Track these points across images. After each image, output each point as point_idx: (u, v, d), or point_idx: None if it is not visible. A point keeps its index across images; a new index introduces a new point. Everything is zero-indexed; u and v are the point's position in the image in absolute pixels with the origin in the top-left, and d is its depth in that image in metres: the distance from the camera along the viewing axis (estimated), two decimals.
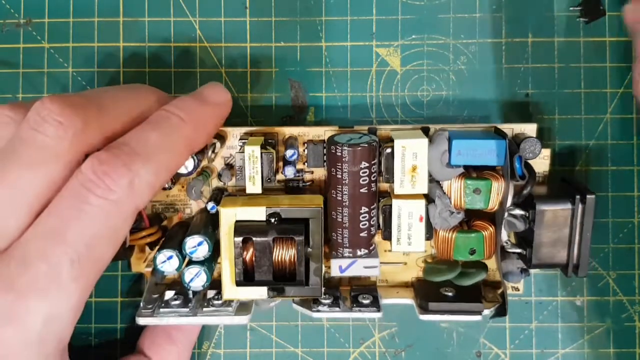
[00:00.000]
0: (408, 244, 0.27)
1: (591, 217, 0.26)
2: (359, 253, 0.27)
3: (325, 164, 0.27)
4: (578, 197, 0.26)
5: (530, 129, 0.28)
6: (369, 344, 0.31)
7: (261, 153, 0.26)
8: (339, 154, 0.25)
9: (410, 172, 0.26)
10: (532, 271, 0.30)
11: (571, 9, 0.29)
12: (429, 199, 0.27)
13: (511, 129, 0.28)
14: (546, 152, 0.28)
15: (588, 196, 0.26)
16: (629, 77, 0.30)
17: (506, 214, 0.26)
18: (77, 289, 0.21)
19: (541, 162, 0.28)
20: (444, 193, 0.27)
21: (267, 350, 0.31)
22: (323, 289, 0.26)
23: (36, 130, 0.21)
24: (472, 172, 0.27)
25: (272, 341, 0.31)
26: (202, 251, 0.26)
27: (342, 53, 0.31)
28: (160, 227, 0.29)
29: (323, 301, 0.28)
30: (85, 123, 0.22)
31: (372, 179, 0.26)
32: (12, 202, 0.21)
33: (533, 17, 0.30)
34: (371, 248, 0.27)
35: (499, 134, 0.27)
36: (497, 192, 0.26)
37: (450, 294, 0.28)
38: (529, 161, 0.26)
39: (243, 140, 0.28)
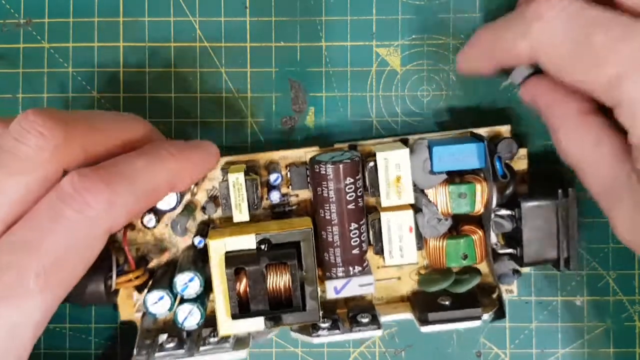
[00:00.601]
0: (400, 256, 0.27)
1: (575, 208, 0.27)
2: (352, 271, 0.27)
3: (309, 185, 0.28)
4: (560, 191, 0.27)
5: (504, 130, 0.28)
6: (369, 343, 0.31)
7: (245, 180, 0.26)
8: (323, 172, 0.26)
9: (395, 183, 0.26)
10: (531, 272, 0.30)
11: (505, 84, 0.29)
12: (416, 209, 0.27)
13: (486, 132, 0.28)
14: (523, 152, 0.29)
15: (570, 189, 0.27)
16: None
17: (493, 215, 0.27)
18: (43, 302, 0.21)
19: (520, 162, 0.29)
20: (430, 201, 0.27)
21: (267, 350, 0.31)
22: (321, 312, 0.26)
23: (17, 139, 0.21)
24: (455, 177, 0.27)
25: (272, 340, 0.31)
26: (194, 287, 0.26)
27: (342, 53, 0.31)
28: (146, 269, 0.28)
29: (322, 325, 0.27)
30: (67, 138, 0.21)
31: (359, 194, 0.26)
32: None
33: None
34: (364, 265, 0.27)
35: (476, 138, 0.27)
36: (482, 194, 0.27)
37: (447, 302, 0.28)
38: (508, 161, 0.27)
39: (225, 170, 0.28)
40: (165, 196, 0.25)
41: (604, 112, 0.24)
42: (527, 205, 0.27)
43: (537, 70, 0.26)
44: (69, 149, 0.22)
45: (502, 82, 0.29)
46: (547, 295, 0.31)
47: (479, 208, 0.27)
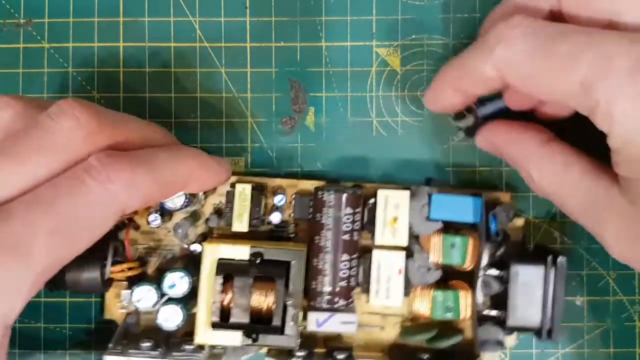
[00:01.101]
0: (386, 297, 0.27)
1: (563, 279, 0.26)
2: (337, 304, 0.27)
3: (310, 215, 0.28)
4: (550, 258, 0.26)
5: (505, 197, 0.29)
6: None
7: (252, 192, 0.27)
8: (325, 198, 0.26)
9: (391, 222, 0.27)
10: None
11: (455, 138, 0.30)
12: (408, 253, 0.27)
13: (486, 196, 0.28)
14: (520, 222, 0.29)
15: (559, 258, 0.26)
16: None
17: (481, 272, 0.27)
18: (44, 263, 0.21)
19: (516, 231, 0.29)
20: (423, 248, 0.27)
21: None
22: (299, 340, 0.26)
23: (53, 119, 0.22)
24: (450, 229, 0.28)
25: None
26: (182, 287, 0.27)
27: (342, 53, 0.31)
28: (141, 265, 0.29)
29: (298, 354, 0.27)
30: (100, 127, 0.23)
31: (355, 227, 0.27)
32: (15, 175, 0.22)
33: None
34: (350, 300, 0.27)
35: (476, 195, 0.28)
36: (474, 249, 0.27)
37: (425, 357, 0.28)
38: (503, 224, 0.27)
39: (234, 184, 0.28)
40: (178, 192, 0.26)
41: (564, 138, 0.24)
42: (516, 267, 0.26)
43: (483, 118, 0.27)
44: (99, 137, 0.23)
45: (454, 138, 0.30)
46: None
47: (469, 263, 0.27)
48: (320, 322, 0.27)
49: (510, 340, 0.28)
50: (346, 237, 0.26)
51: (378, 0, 0.30)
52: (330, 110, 0.31)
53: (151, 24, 0.31)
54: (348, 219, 0.26)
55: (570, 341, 0.31)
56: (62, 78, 0.31)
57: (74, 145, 0.22)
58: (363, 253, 0.28)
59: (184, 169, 0.25)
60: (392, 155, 0.30)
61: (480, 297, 0.27)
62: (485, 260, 0.27)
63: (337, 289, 0.27)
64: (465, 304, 0.27)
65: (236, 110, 0.31)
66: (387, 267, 0.27)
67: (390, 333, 0.29)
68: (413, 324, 0.29)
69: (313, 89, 0.31)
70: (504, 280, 0.27)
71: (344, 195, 0.26)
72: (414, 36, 0.31)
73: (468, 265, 0.27)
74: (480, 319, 0.28)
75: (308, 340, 0.29)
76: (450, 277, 0.28)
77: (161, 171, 0.23)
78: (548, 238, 0.30)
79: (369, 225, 0.27)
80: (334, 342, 0.29)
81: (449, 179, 0.30)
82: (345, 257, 0.26)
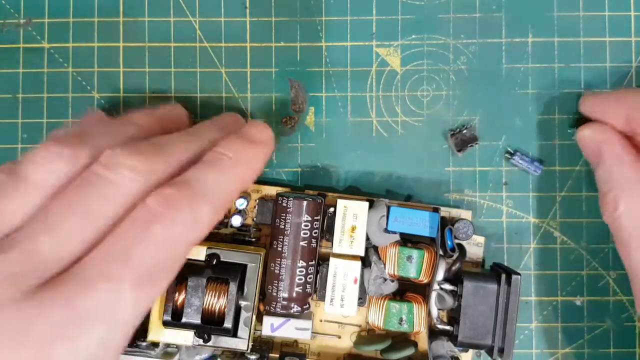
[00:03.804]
0: (341, 306, 0.27)
1: (516, 298, 0.26)
2: (292, 309, 0.27)
3: (271, 221, 0.28)
4: (504, 276, 0.26)
5: (465, 214, 0.29)
6: None
7: None
8: (285, 204, 0.27)
9: (350, 232, 0.27)
10: (531, 273, 0.30)
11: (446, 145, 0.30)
12: (365, 263, 0.28)
13: (448, 212, 0.29)
14: (480, 239, 0.29)
15: (513, 276, 0.26)
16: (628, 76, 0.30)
17: (436, 285, 0.27)
18: (134, 314, 0.21)
19: (476, 249, 0.29)
20: (380, 259, 0.27)
21: None
22: (251, 344, 0.26)
23: (112, 170, 0.22)
24: (408, 242, 0.28)
25: None
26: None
27: (342, 53, 0.31)
28: None
29: (250, 357, 0.27)
30: (155, 168, 0.23)
31: (314, 234, 0.27)
32: (81, 226, 0.21)
33: (533, 17, 0.30)
34: (305, 307, 0.27)
35: (434, 210, 0.28)
36: (430, 263, 0.27)
37: None
38: (462, 241, 0.28)
39: None
40: (237, 197, 0.27)
41: None
42: (469, 284, 0.26)
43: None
44: (155, 177, 0.23)
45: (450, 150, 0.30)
46: (547, 295, 0.31)
47: (425, 277, 0.27)
48: (274, 327, 0.27)
49: (466, 356, 0.28)
50: (304, 243, 0.27)
51: (378, 0, 0.30)
52: (330, 110, 0.31)
53: (151, 24, 0.31)
54: (307, 226, 0.27)
55: (570, 341, 0.31)
56: (62, 78, 0.31)
57: (135, 192, 0.22)
58: (321, 261, 0.28)
59: (235, 180, 0.25)
60: (392, 155, 0.30)
61: (434, 311, 0.27)
62: (440, 274, 0.27)
63: (294, 295, 0.27)
64: (419, 317, 0.27)
65: (236, 110, 0.31)
66: (344, 276, 0.27)
67: (346, 342, 0.29)
68: (368, 335, 0.29)
69: (313, 89, 0.31)
70: (458, 296, 0.27)
71: (304, 203, 0.27)
72: (414, 36, 0.31)
73: (424, 279, 0.27)
74: (434, 333, 0.28)
75: (266, 344, 0.29)
76: (406, 290, 0.29)
77: (217, 196, 0.23)
78: (548, 238, 0.30)
79: (328, 233, 0.28)
80: (289, 349, 0.29)
81: (449, 179, 0.30)
82: (302, 263, 0.27)
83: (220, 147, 0.25)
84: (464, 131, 0.30)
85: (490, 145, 0.30)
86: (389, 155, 0.30)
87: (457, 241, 0.28)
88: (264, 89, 0.31)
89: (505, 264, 0.30)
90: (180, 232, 0.22)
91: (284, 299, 0.27)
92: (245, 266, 0.26)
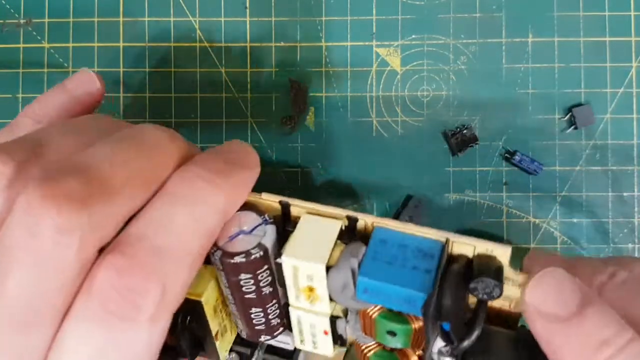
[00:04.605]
0: (313, 348, 0.22)
1: None
2: (262, 339, 0.22)
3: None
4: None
5: (501, 252, 0.18)
6: None
7: None
8: (215, 261, 0.19)
9: (307, 291, 0.20)
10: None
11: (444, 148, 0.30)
12: (338, 313, 0.21)
13: (473, 246, 0.18)
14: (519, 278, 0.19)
15: None
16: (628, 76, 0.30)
17: (435, 356, 0.18)
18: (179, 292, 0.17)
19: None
20: (358, 314, 0.20)
21: None
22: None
23: (32, 236, 0.15)
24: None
25: None
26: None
27: (342, 53, 0.31)
28: None
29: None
30: (91, 219, 0.15)
31: (262, 284, 0.20)
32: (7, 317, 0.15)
33: (533, 17, 0.30)
34: (275, 334, 0.22)
35: (443, 250, 0.18)
36: (418, 338, 0.20)
37: None
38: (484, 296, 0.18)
39: None
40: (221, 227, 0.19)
41: None
42: None
43: None
44: (97, 229, 0.16)
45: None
46: None
47: (415, 348, 0.20)
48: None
49: None
50: (251, 295, 0.20)
51: (378, 0, 0.30)
52: (330, 110, 0.31)
53: (151, 24, 0.31)
54: (247, 282, 0.20)
55: None
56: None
57: (72, 261, 0.15)
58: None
59: (214, 214, 0.18)
60: (392, 155, 0.30)
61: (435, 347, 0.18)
62: (437, 346, 0.18)
63: (255, 331, 0.22)
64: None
65: (236, 110, 0.31)
66: (310, 326, 0.21)
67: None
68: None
69: (313, 89, 0.31)
70: None
71: (233, 264, 0.19)
72: (414, 36, 0.31)
73: (415, 350, 0.21)
74: None
75: (245, 340, 0.23)
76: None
77: (191, 244, 0.17)
78: (548, 238, 0.30)
79: (279, 282, 0.21)
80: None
81: (449, 179, 0.30)
82: (255, 310, 0.21)
83: (192, 166, 0.18)
84: (464, 131, 0.30)
85: (490, 145, 0.30)
86: (389, 155, 0.30)
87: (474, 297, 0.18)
88: (264, 89, 0.31)
89: None
90: (151, 317, 0.16)
91: (248, 335, 0.22)
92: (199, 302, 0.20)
